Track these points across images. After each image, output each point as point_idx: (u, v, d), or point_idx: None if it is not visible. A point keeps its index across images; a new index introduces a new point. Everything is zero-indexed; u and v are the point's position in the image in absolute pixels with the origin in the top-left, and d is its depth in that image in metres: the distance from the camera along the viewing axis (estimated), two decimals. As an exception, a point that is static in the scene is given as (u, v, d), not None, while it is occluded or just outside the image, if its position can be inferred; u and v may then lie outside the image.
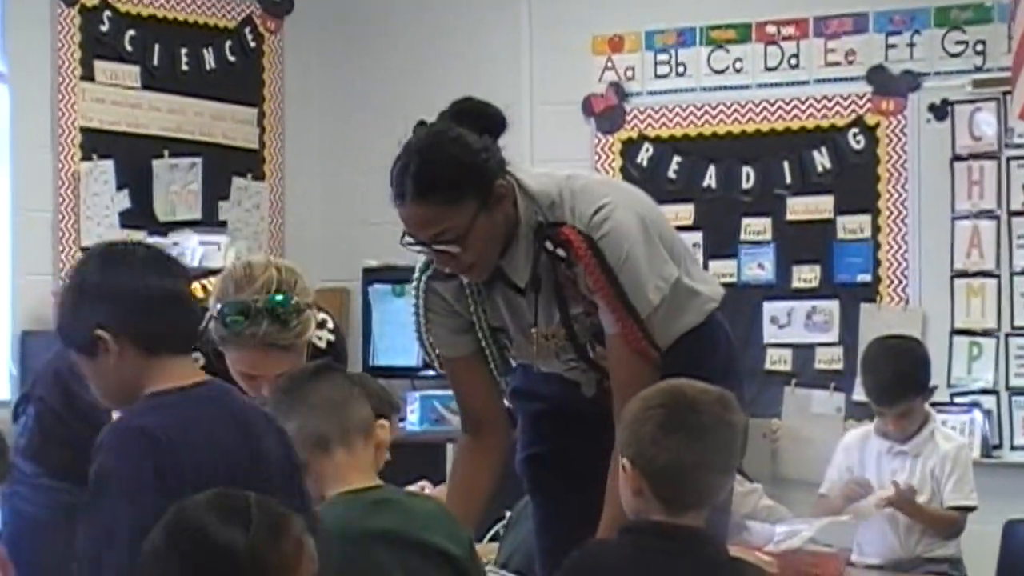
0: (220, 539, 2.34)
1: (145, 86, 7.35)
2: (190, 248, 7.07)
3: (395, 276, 7.43)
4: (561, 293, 3.39)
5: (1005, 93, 6.75)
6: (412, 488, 3.85)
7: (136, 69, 7.32)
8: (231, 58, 7.80)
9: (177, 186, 7.41)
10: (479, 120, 3.45)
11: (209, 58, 7.69)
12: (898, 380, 5.44)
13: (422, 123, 3.45)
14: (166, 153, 7.40)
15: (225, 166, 7.69)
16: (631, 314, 3.31)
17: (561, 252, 3.32)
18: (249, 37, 7.89)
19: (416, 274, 3.54)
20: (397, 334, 7.39)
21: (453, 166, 3.31)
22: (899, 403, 5.42)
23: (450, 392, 6.78)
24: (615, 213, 3.37)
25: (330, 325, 3.92)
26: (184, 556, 2.35)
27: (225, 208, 7.68)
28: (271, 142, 7.98)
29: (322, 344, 3.84)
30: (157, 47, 7.42)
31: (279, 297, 3.51)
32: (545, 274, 3.39)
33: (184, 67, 7.56)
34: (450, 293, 3.50)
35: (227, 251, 7.06)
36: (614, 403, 3.29)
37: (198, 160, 7.51)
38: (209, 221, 7.53)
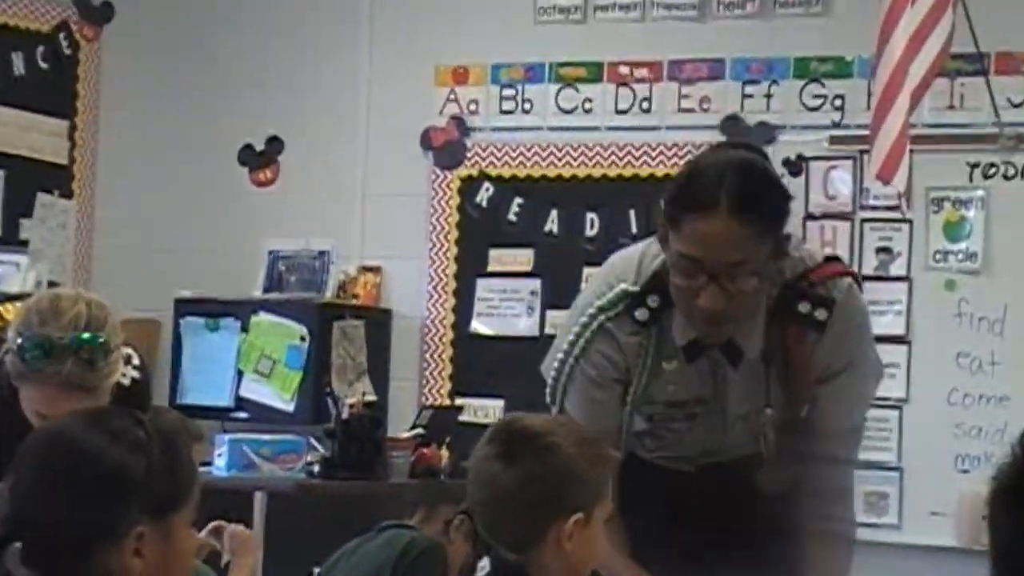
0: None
1: (-52, 91, 7.25)
2: (-13, 269, 6.96)
3: (210, 309, 7.35)
4: (788, 370, 3.19)
5: (862, 151, 6.85)
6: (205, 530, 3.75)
7: (-62, 72, 7.22)
8: (43, 65, 7.68)
9: (-25, 200, 7.29)
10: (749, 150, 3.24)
11: (19, 64, 7.57)
12: None
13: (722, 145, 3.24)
14: (-34, 164, 7.29)
15: (30, 181, 7.56)
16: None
17: (820, 314, 3.13)
18: (64, 44, 7.78)
19: (595, 310, 3.23)
20: (209, 371, 7.31)
21: (779, 192, 3.10)
22: None
23: (263, 436, 6.77)
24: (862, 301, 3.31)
25: (135, 361, 3.82)
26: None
27: (27, 226, 7.54)
28: (82, 157, 7.86)
29: (126, 381, 3.75)
30: (-37, 50, 7.32)
31: (87, 335, 3.41)
32: (775, 345, 3.19)
33: (-9, 72, 7.45)
34: (632, 350, 3.20)
35: (27, 274, 6.94)
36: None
37: (0, 173, 7.39)
38: (9, 240, 7.40)
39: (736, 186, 2.97)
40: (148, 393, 3.86)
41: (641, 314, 3.14)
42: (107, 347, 3.45)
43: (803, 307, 3.12)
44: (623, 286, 3.18)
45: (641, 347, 3.19)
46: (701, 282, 3.01)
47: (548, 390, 3.23)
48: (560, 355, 3.23)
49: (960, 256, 6.84)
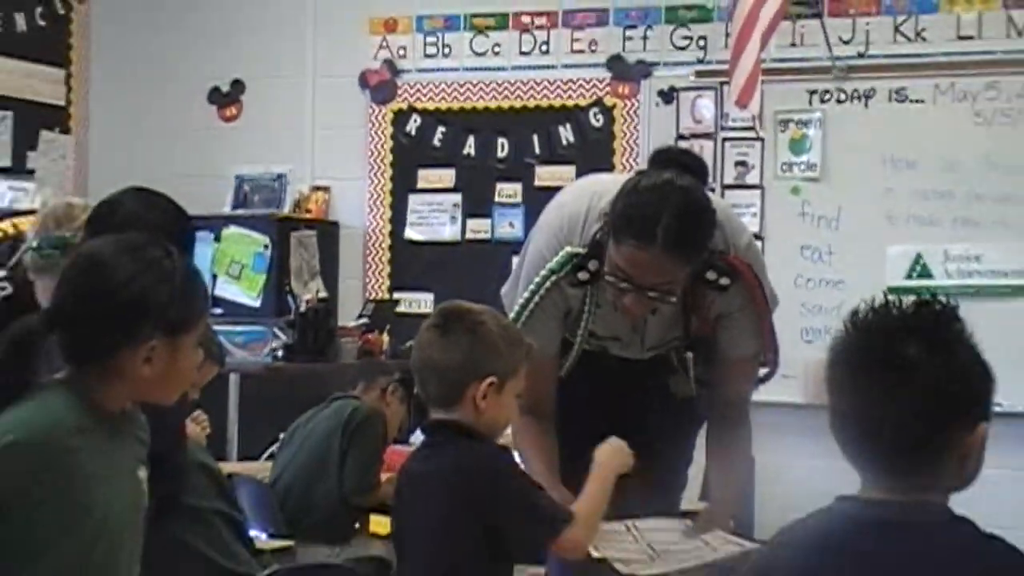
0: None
1: (-40, 45, 7.13)
2: (0, 192, 6.89)
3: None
4: (688, 312, 3.18)
5: (722, 83, 6.86)
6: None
7: (-51, 28, 7.11)
8: (42, 23, 7.57)
9: (-12, 137, 7.21)
10: (686, 169, 3.05)
11: (21, 21, 7.45)
12: None
13: (648, 168, 3.07)
14: (-22, 107, 7.18)
15: (34, 120, 7.48)
16: (772, 334, 3.22)
17: (724, 281, 3.10)
18: (59, 5, 7.67)
19: (547, 272, 3.18)
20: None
21: (708, 229, 3.01)
22: None
23: (235, 328, 6.73)
24: (756, 245, 3.26)
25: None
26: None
27: (33, 158, 7.46)
28: (77, 100, 7.76)
29: None
30: (-29, 9, 7.20)
31: None
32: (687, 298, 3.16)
33: (-3, 29, 7.33)
34: (577, 299, 3.21)
35: (34, 196, 6.86)
36: (716, 402, 3.28)
37: (8, 114, 7.29)
38: (19, 169, 7.32)
39: (672, 226, 2.90)
40: None
41: (583, 275, 3.13)
42: None
43: (710, 275, 3.09)
44: (569, 249, 3.15)
45: (580, 297, 3.19)
46: (630, 290, 3.00)
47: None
48: (521, 301, 3.20)
49: (802, 167, 6.86)
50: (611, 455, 3.00)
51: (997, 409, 1.90)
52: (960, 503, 1.89)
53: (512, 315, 3.20)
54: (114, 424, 2.32)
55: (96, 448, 2.26)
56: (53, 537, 2.21)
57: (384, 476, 4.94)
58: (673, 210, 2.91)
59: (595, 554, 2.98)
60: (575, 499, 3.00)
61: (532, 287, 3.18)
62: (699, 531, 3.09)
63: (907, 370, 1.83)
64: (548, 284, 3.17)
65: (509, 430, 3.11)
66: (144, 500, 2.38)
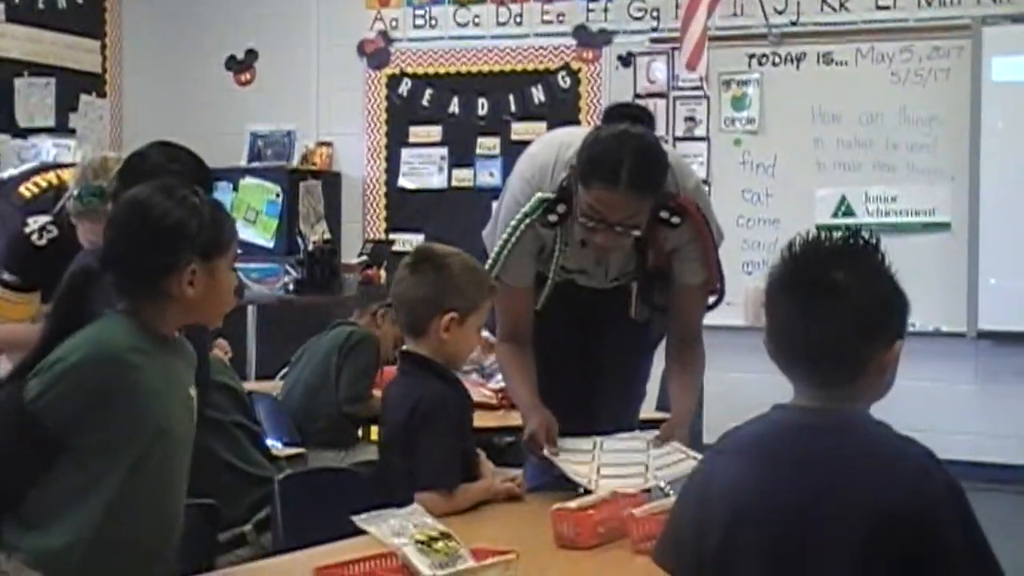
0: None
1: (8, 19, 7.03)
2: (45, 148, 6.84)
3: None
4: (643, 247, 3.15)
5: (674, 48, 6.83)
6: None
7: (1, 5, 6.99)
8: (79, 1, 7.48)
9: (35, 100, 7.14)
10: (637, 120, 3.02)
11: (61, 0, 7.37)
12: None
13: (604, 123, 3.04)
14: (26, 73, 7.11)
15: (74, 86, 7.42)
16: (719, 265, 3.18)
17: (676, 220, 3.08)
18: (95, -18, 7.60)
19: (521, 215, 3.12)
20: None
21: (663, 167, 2.98)
22: None
23: (251, 265, 6.71)
24: (702, 186, 3.23)
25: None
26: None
27: (74, 118, 7.40)
28: (111, 67, 7.69)
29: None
30: (19, -13, 7.13)
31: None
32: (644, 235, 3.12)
33: (41, 5, 7.23)
34: (548, 238, 3.16)
35: (76, 152, 6.82)
36: (671, 326, 3.25)
37: (52, 80, 7.23)
38: (61, 128, 7.26)
39: (633, 168, 2.88)
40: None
41: (552, 218, 3.10)
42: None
43: (663, 214, 3.07)
44: (540, 195, 3.11)
45: (552, 236, 3.16)
46: (601, 227, 2.97)
47: (489, 262, 3.15)
48: (500, 241, 3.16)
49: (743, 121, 6.84)
50: (485, 490, 2.90)
51: (910, 329, 1.90)
52: (879, 410, 1.89)
53: (493, 253, 3.18)
54: (168, 347, 2.33)
55: (154, 367, 2.27)
56: (120, 444, 2.22)
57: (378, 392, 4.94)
58: (632, 153, 2.90)
59: (555, 462, 2.99)
60: (553, 418, 3.01)
61: (509, 229, 3.16)
62: (661, 441, 3.09)
63: (837, 292, 1.82)
64: (523, 226, 3.14)
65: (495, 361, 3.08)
66: (194, 415, 2.39)
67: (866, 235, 1.88)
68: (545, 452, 3.01)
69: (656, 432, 3.13)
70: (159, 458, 2.27)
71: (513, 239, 3.14)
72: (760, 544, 1.78)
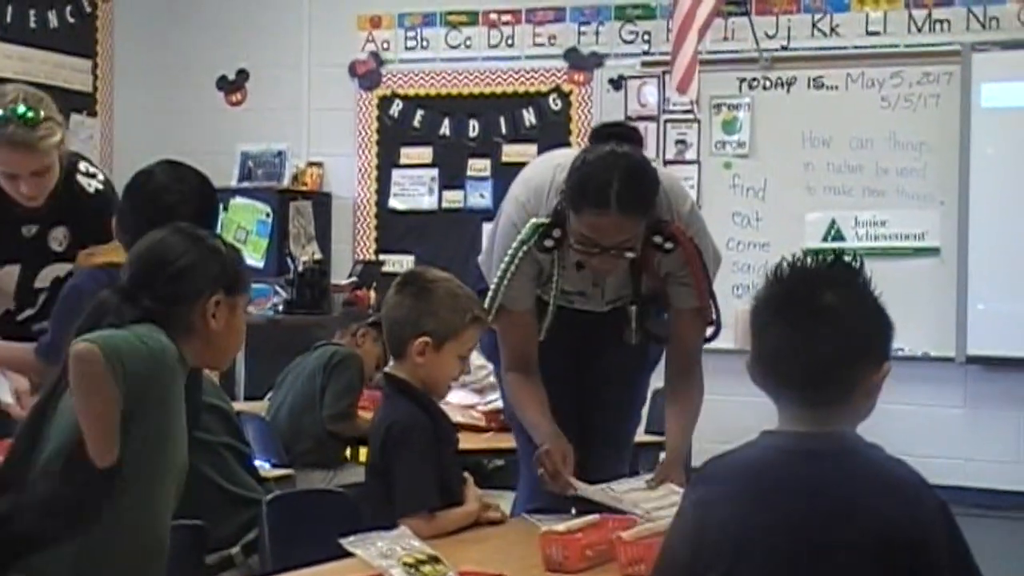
0: None
1: (0, 39, 7.05)
2: (35, 168, 6.82)
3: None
4: (638, 271, 3.15)
5: (665, 72, 6.85)
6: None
7: (-7, 25, 7.04)
8: (71, 20, 7.48)
9: (25, 119, 7.14)
10: (624, 139, 3.01)
11: (53, 18, 7.37)
12: None
13: (592, 142, 3.02)
14: (17, 92, 7.11)
15: (64, 105, 7.17)
16: (712, 294, 3.18)
17: (669, 245, 3.07)
18: (86, 3, 7.57)
19: (518, 243, 3.11)
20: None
21: (654, 185, 2.97)
22: None
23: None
24: (696, 210, 3.21)
25: (100, 177, 3.73)
26: None
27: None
28: (102, 87, 7.68)
29: (91, 190, 3.66)
30: (10, 7, 7.09)
31: (21, 108, 3.37)
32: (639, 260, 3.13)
33: (32, 25, 7.23)
34: (546, 262, 3.15)
35: (65, 172, 6.81)
36: (669, 352, 3.26)
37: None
38: (51, 148, 7.23)
39: (622, 190, 2.87)
40: (112, 198, 3.63)
41: (548, 243, 3.09)
42: (40, 117, 3.40)
43: (657, 239, 3.06)
44: (535, 220, 3.10)
45: (549, 260, 3.16)
46: (595, 252, 2.97)
47: (489, 296, 3.14)
48: (501, 268, 3.14)
49: (733, 145, 6.86)
50: (466, 516, 2.88)
51: (898, 353, 1.91)
52: (868, 435, 1.89)
53: (494, 280, 3.16)
54: (186, 377, 2.36)
55: (181, 387, 2.30)
56: (151, 450, 2.25)
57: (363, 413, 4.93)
58: (620, 174, 2.88)
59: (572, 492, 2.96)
60: (571, 447, 3.00)
61: (507, 259, 3.14)
62: (656, 484, 3.06)
63: (828, 314, 1.83)
64: (520, 253, 3.13)
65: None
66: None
67: (848, 257, 1.89)
68: (569, 486, 2.96)
69: (650, 476, 3.09)
70: (167, 483, 2.29)
71: (513, 267, 3.13)
72: (770, 575, 1.78)
